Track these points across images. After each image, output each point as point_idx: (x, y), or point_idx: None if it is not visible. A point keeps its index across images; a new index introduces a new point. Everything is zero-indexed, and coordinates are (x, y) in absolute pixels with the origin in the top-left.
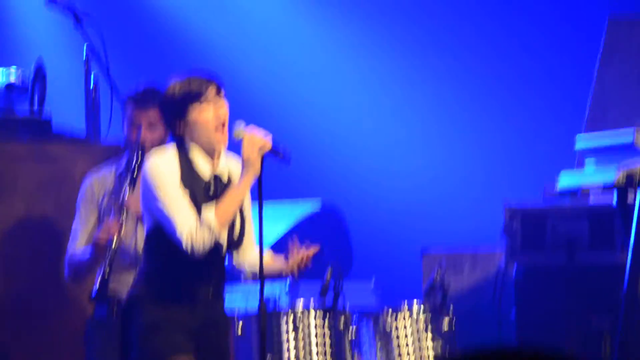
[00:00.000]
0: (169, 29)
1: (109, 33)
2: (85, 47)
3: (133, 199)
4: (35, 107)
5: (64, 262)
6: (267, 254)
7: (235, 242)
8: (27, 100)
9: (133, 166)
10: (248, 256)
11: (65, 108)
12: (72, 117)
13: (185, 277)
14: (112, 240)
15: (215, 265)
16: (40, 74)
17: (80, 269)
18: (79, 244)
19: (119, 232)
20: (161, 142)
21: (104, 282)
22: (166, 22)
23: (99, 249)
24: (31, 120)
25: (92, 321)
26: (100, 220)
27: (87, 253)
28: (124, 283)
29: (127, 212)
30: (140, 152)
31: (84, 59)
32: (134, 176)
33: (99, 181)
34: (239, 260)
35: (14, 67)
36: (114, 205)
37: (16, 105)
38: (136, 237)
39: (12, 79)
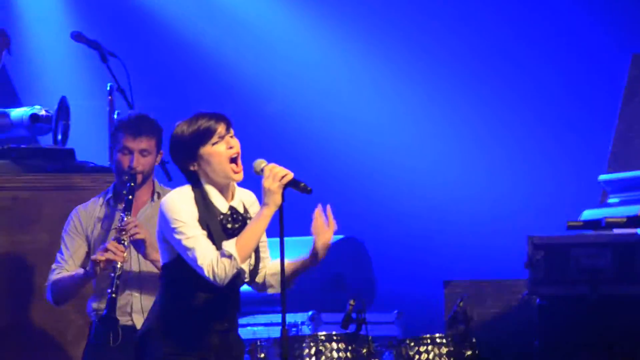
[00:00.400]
0: (195, 64)
1: (132, 68)
2: (109, 85)
3: (130, 222)
4: (59, 137)
5: (46, 287)
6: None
7: (252, 272)
8: (51, 131)
9: (128, 190)
10: (268, 268)
11: (88, 144)
12: (94, 153)
13: (202, 310)
14: (117, 262)
15: (231, 298)
16: (63, 106)
17: (68, 291)
18: (63, 272)
19: (123, 254)
20: (151, 169)
21: (113, 303)
22: (192, 58)
23: (98, 268)
24: (55, 150)
25: (90, 346)
26: (91, 250)
27: (80, 275)
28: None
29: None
30: (133, 177)
31: (108, 94)
32: (130, 198)
33: (86, 213)
34: (260, 279)
35: (38, 106)
36: (116, 229)
37: (40, 136)
38: (130, 261)
39: (36, 110)
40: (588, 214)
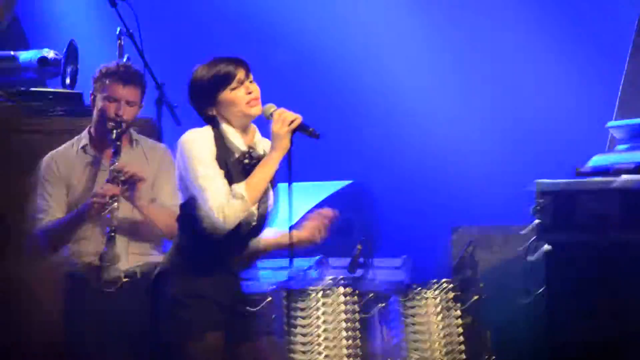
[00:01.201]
0: (206, 9)
1: (141, 12)
2: (118, 30)
3: (124, 165)
4: (67, 81)
5: (33, 237)
6: (272, 231)
7: (263, 218)
8: (59, 75)
9: (116, 136)
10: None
11: None
12: None
13: (217, 251)
14: (112, 204)
15: (246, 240)
16: (72, 50)
17: (65, 236)
18: (51, 218)
19: (118, 196)
20: (134, 119)
21: (113, 240)
22: (203, 2)
23: (93, 210)
24: (64, 93)
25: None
26: (72, 197)
27: (73, 216)
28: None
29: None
30: (119, 124)
31: (117, 38)
32: (118, 144)
33: (64, 159)
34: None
35: (47, 49)
36: (112, 171)
37: (49, 80)
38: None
39: (45, 53)
40: (596, 160)
